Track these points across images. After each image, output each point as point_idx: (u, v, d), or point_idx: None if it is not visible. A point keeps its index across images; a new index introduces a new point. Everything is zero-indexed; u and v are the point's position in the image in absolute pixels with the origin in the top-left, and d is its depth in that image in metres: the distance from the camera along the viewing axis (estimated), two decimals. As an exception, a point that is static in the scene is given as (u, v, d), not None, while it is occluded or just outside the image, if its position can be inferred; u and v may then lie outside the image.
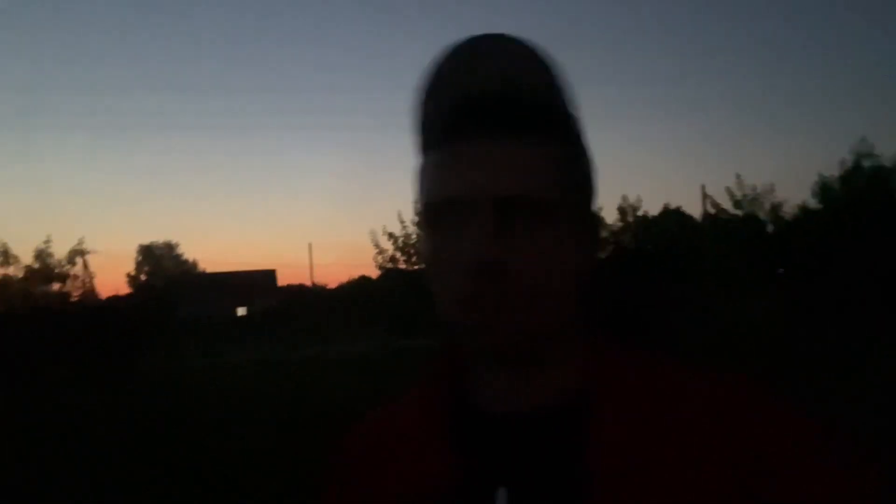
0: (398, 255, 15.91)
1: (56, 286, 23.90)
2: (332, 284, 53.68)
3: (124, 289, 51.34)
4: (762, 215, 21.64)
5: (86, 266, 24.70)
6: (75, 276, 24.35)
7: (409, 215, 15.34)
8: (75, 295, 24.34)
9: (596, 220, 0.69)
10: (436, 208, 0.62)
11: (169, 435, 7.18)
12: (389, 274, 17.22)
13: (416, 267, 16.03)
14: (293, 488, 4.76)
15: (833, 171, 21.40)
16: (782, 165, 54.43)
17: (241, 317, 39.46)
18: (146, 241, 58.37)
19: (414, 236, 15.83)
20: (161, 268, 55.84)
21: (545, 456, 0.61)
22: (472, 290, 0.59)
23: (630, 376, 0.63)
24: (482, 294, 0.59)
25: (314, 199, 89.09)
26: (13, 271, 23.59)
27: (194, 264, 57.92)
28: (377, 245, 16.00)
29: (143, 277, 55.89)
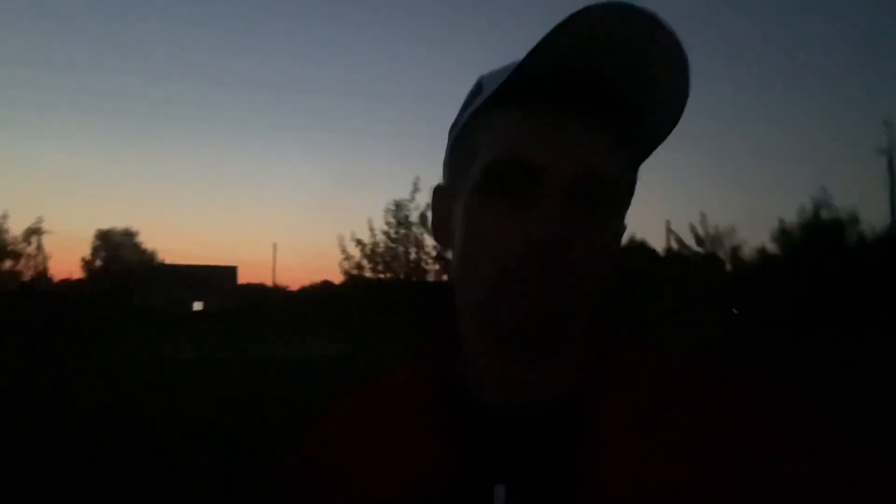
0: (365, 262, 15.79)
1: (8, 264, 23.10)
2: (294, 287, 53.07)
3: (78, 273, 49.86)
4: (722, 255, 22.21)
5: (41, 246, 23.93)
6: (29, 256, 23.57)
7: (379, 224, 15.25)
8: (27, 275, 23.55)
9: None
10: (501, 168, 0.56)
11: (122, 428, 6.99)
12: (354, 281, 17.07)
13: (381, 276, 15.90)
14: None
15: (792, 217, 22.09)
16: (744, 208, 56.20)
17: (197, 311, 38.63)
18: (105, 226, 56.94)
19: (382, 245, 15.74)
20: (118, 255, 54.36)
21: (544, 452, 0.58)
22: (534, 269, 0.54)
23: (633, 372, 0.61)
24: (541, 274, 0.54)
25: (282, 200, 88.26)
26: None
27: (153, 254, 56.63)
28: (344, 250, 15.86)
29: (98, 263, 54.35)
